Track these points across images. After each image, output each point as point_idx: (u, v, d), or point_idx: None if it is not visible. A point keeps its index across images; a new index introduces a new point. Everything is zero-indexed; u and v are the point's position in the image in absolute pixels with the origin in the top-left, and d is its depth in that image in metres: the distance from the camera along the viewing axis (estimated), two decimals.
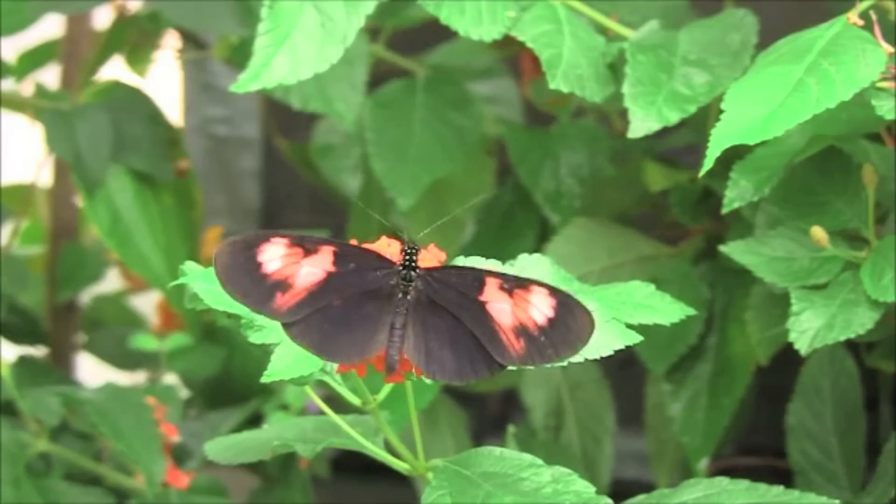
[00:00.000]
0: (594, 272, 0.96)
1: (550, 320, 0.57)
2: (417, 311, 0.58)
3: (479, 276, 0.58)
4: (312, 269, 0.57)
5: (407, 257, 0.58)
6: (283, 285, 0.57)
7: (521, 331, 0.57)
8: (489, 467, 0.61)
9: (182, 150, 1.11)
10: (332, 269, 0.57)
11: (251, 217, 1.39)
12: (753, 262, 0.78)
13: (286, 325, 0.57)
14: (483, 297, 0.58)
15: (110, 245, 1.06)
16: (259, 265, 0.56)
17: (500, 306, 0.57)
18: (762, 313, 0.87)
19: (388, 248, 0.59)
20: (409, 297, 0.58)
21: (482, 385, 1.15)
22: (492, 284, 0.58)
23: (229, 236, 0.57)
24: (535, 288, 0.57)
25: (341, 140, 1.17)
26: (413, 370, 0.58)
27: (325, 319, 0.57)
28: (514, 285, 0.57)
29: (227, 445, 0.69)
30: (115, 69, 1.17)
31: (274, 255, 0.57)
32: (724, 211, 0.76)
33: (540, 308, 0.57)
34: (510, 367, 0.58)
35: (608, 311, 0.63)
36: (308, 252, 0.57)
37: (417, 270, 0.58)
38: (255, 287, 0.56)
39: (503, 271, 0.60)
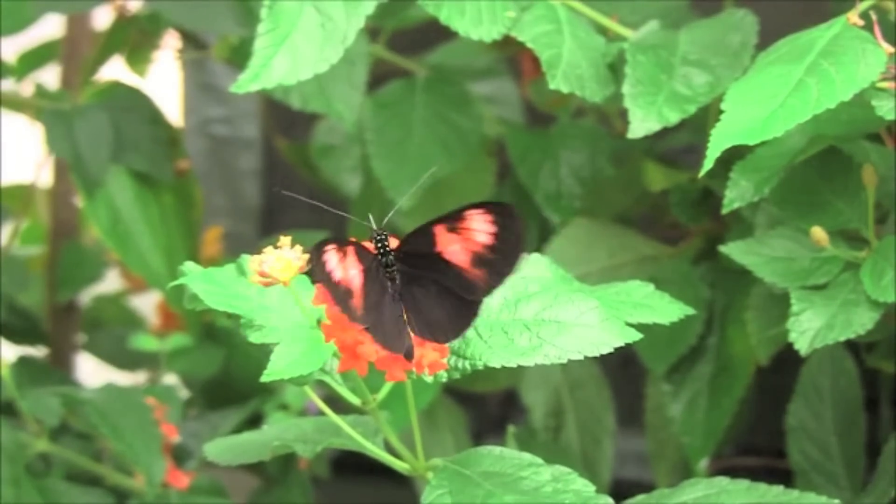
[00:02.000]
0: (594, 272, 0.96)
1: (495, 234, 0.59)
2: (406, 290, 0.59)
3: (428, 230, 0.59)
4: (354, 270, 0.58)
5: (379, 245, 0.59)
6: (349, 292, 0.57)
7: (478, 260, 0.59)
8: (489, 467, 0.61)
9: (182, 150, 1.11)
10: (360, 266, 0.58)
11: (251, 217, 1.38)
12: (753, 263, 0.78)
13: (366, 330, 0.58)
14: (439, 248, 0.59)
15: (110, 245, 1.06)
16: (329, 274, 0.57)
17: (453, 249, 0.59)
18: (762, 313, 0.86)
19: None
20: (396, 281, 0.59)
21: (482, 385, 1.15)
22: (440, 232, 0.59)
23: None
24: (470, 213, 0.59)
25: (341, 140, 1.17)
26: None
27: (381, 316, 0.58)
28: (455, 221, 0.59)
29: (226, 446, 0.69)
30: (115, 69, 1.17)
31: (334, 263, 0.57)
32: (724, 211, 0.76)
33: (482, 229, 0.59)
34: (483, 298, 0.59)
35: (608, 310, 0.63)
36: (345, 255, 0.58)
37: (392, 254, 0.59)
38: (336, 292, 0.57)
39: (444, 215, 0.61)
